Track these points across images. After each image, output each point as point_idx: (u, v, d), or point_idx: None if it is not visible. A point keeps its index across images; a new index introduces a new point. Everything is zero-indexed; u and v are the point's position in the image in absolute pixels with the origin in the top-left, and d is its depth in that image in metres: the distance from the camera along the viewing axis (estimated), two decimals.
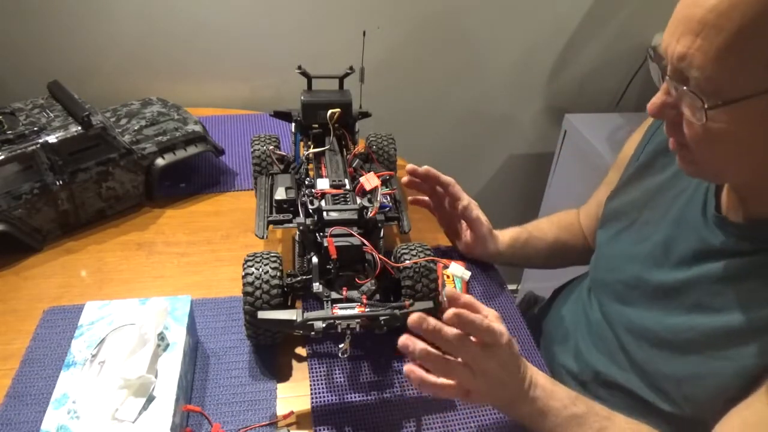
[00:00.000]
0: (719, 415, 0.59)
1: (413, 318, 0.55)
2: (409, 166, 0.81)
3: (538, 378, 0.62)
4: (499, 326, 0.58)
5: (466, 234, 0.87)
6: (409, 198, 0.82)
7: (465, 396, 0.59)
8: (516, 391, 0.60)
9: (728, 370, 0.60)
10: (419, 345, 0.56)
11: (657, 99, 0.57)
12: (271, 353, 0.75)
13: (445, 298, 0.63)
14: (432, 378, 0.58)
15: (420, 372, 0.57)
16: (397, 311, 0.64)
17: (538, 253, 0.92)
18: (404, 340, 0.56)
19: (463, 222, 0.87)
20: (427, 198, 0.88)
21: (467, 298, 0.60)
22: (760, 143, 0.53)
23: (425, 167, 0.82)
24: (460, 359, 0.57)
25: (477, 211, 0.83)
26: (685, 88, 0.53)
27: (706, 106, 0.51)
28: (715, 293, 0.63)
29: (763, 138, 0.53)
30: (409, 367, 0.58)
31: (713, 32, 0.49)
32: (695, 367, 0.63)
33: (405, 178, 0.84)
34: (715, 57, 0.49)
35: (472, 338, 0.57)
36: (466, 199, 0.83)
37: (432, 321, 0.56)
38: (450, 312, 0.55)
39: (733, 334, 0.60)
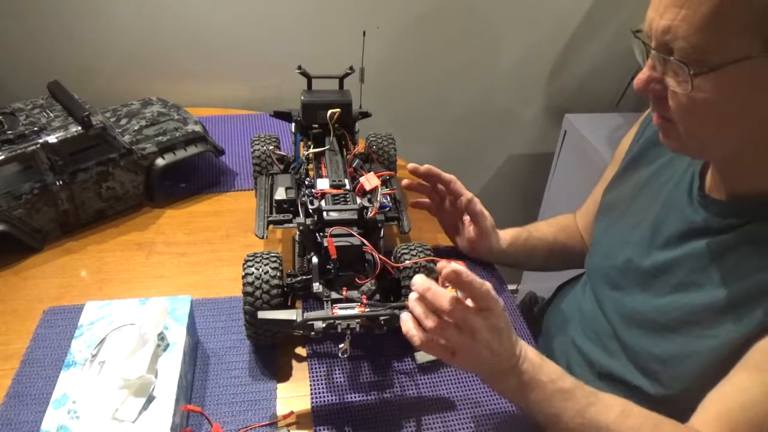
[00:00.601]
0: (705, 393, 0.60)
1: (416, 279, 0.56)
2: (411, 165, 0.82)
3: (527, 351, 0.61)
4: (495, 294, 0.57)
5: (469, 230, 0.87)
6: (411, 201, 0.82)
7: (451, 357, 0.58)
8: (504, 362, 0.59)
9: (713, 347, 0.60)
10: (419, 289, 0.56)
11: (642, 74, 0.59)
12: (271, 353, 0.75)
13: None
14: (420, 329, 0.57)
15: (411, 321, 0.57)
16: (397, 311, 0.64)
17: (537, 253, 0.92)
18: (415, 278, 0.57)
19: (465, 220, 0.87)
20: (427, 200, 0.89)
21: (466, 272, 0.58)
22: (744, 112, 0.54)
23: (426, 166, 0.82)
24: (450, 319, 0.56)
25: (480, 206, 0.84)
26: (671, 58, 0.54)
27: (691, 73, 0.52)
28: (699, 270, 0.64)
29: (747, 107, 0.54)
30: (404, 315, 0.57)
31: (697, 1, 0.50)
32: (682, 346, 0.64)
33: (405, 181, 0.85)
34: (699, 25, 0.51)
35: (467, 302, 0.56)
36: (468, 194, 0.83)
37: (429, 282, 0.56)
38: (450, 268, 0.54)
39: (717, 309, 0.61)
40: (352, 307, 0.64)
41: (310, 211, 0.74)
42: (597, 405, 0.59)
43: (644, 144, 0.79)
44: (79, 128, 0.86)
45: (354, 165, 0.87)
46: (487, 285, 0.56)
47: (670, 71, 0.55)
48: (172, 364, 0.64)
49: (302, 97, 0.88)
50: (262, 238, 0.76)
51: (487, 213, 0.85)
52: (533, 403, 0.60)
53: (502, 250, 0.87)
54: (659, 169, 0.76)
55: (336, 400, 0.70)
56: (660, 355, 0.66)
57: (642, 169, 0.79)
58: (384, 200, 0.78)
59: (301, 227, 0.73)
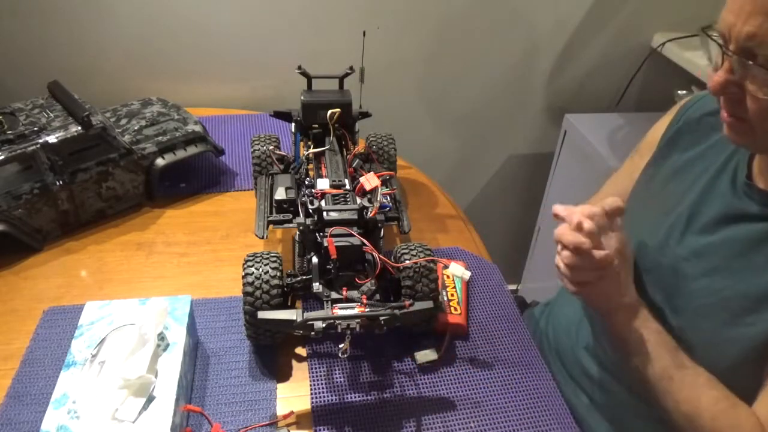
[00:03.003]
0: (736, 382, 0.62)
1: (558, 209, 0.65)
2: (604, 206, 0.66)
3: (635, 297, 0.68)
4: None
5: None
6: (601, 255, 0.63)
7: (581, 288, 0.66)
8: (623, 297, 0.67)
9: (749, 336, 0.61)
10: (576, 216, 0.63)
11: (720, 77, 0.59)
12: (271, 353, 0.75)
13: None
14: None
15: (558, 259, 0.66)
16: (397, 311, 0.64)
17: None
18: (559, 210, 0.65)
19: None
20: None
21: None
22: None
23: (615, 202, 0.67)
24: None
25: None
26: (750, 63, 0.54)
27: None
28: (736, 256, 0.64)
29: None
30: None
31: None
32: (712, 336, 0.64)
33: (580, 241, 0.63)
34: None
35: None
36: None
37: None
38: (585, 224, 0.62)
39: (753, 297, 0.61)
40: (352, 307, 0.64)
41: (310, 211, 0.74)
42: (689, 368, 0.64)
43: (680, 130, 0.79)
44: (79, 128, 0.86)
45: (354, 165, 0.87)
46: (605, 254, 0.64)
47: (750, 76, 0.56)
48: (172, 364, 0.64)
49: (302, 97, 0.88)
50: (262, 238, 0.76)
51: None
52: (634, 342, 0.66)
53: None
54: (697, 156, 0.75)
55: (336, 400, 0.70)
56: (688, 339, 0.66)
57: (675, 155, 0.78)
58: (384, 200, 0.78)
59: (301, 227, 0.73)
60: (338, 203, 0.76)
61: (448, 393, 0.72)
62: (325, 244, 0.68)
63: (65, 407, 0.59)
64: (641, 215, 0.79)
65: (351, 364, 0.74)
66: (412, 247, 0.73)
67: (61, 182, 0.86)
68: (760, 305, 0.60)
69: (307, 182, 0.83)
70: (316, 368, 0.73)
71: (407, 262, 0.70)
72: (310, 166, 0.87)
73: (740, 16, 0.54)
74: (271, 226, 0.78)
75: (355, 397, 0.70)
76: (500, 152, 1.64)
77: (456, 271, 0.83)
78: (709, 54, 0.65)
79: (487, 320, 0.82)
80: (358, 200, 0.76)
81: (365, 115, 0.92)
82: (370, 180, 0.75)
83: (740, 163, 0.68)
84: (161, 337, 0.67)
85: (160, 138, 0.96)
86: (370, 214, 0.73)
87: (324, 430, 0.66)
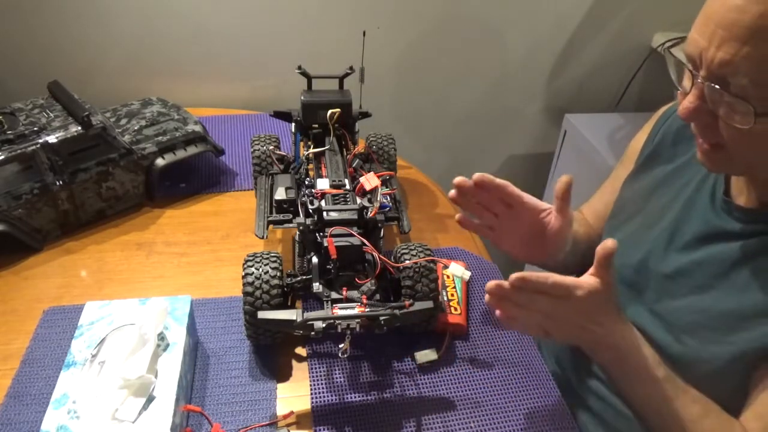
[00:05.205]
0: (713, 394, 0.62)
1: (490, 284, 0.61)
2: (457, 179, 0.71)
3: (630, 333, 0.64)
4: (573, 280, 0.60)
5: (552, 230, 0.74)
6: (460, 217, 0.75)
7: (545, 335, 0.63)
8: (597, 337, 0.63)
9: (731, 353, 0.60)
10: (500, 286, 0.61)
11: (690, 104, 0.56)
12: (271, 353, 0.75)
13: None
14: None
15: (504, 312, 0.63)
16: (397, 311, 0.64)
17: (579, 250, 0.87)
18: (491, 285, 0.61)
19: (546, 222, 0.75)
20: (477, 221, 0.76)
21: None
22: None
23: (477, 174, 0.70)
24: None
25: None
26: (724, 91, 0.52)
27: (755, 112, 0.50)
28: (719, 275, 0.63)
29: None
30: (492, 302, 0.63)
31: (763, 39, 0.48)
32: (695, 350, 0.64)
33: (452, 192, 0.72)
34: (765, 64, 0.48)
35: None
36: (526, 196, 0.72)
37: (504, 283, 0.61)
38: (514, 276, 0.59)
39: (736, 316, 0.61)
40: (352, 307, 0.64)
41: (310, 211, 0.74)
42: (681, 399, 0.62)
43: (659, 143, 0.78)
44: (79, 128, 0.86)
45: (354, 165, 0.87)
46: (553, 277, 0.60)
47: (724, 104, 0.53)
48: (172, 364, 0.64)
49: (302, 97, 0.88)
50: (262, 238, 0.76)
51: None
52: (623, 379, 0.65)
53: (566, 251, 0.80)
54: (678, 168, 0.74)
55: (336, 400, 0.70)
56: (672, 355, 0.66)
57: (657, 168, 0.77)
58: (384, 200, 0.78)
59: (301, 227, 0.73)
60: (338, 203, 0.76)
61: (448, 393, 0.72)
62: (325, 244, 0.68)
63: (65, 407, 0.59)
64: (624, 230, 0.79)
65: (351, 364, 0.74)
66: (412, 247, 0.73)
67: (61, 182, 0.86)
68: (741, 324, 0.60)
69: (307, 182, 0.83)
70: (316, 368, 0.73)
71: (407, 262, 0.71)
72: (310, 166, 0.87)
73: (713, 41, 0.51)
74: (271, 226, 0.78)
75: (355, 397, 0.70)
76: (500, 152, 1.64)
77: (456, 271, 0.83)
78: (675, 74, 0.62)
79: (487, 320, 0.82)
80: (358, 200, 0.76)
81: (365, 115, 0.92)
82: (370, 180, 0.75)
83: (719, 178, 0.67)
84: (161, 337, 0.67)
85: (160, 138, 0.96)
86: (370, 214, 0.73)
87: (324, 430, 0.66)
